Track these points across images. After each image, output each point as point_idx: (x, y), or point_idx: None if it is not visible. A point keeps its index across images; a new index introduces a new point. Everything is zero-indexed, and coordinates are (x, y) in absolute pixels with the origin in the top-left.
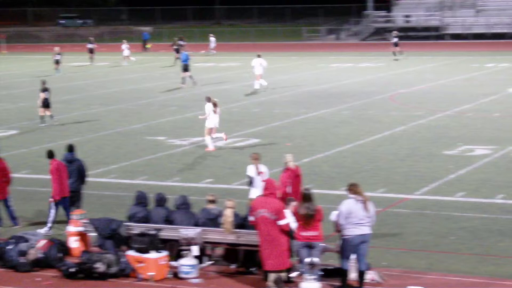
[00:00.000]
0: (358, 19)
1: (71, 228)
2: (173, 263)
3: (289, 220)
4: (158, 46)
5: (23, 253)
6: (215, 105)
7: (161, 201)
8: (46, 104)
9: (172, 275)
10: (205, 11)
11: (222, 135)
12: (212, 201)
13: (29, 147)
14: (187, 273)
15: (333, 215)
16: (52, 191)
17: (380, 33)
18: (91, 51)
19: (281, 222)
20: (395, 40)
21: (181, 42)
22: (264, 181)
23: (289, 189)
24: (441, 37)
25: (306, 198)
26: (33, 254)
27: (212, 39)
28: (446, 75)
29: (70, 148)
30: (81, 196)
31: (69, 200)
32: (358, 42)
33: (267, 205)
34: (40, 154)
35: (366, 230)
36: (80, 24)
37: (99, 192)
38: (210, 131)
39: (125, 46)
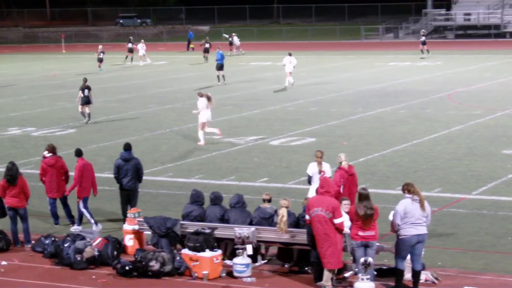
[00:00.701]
0: (417, 18)
1: (127, 226)
2: (227, 262)
3: (344, 218)
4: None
5: (79, 251)
6: (209, 99)
7: (216, 199)
8: (86, 102)
9: (226, 274)
10: (263, 10)
11: (216, 130)
12: (268, 200)
13: (86, 146)
14: (241, 272)
15: (392, 215)
16: (76, 190)
17: (439, 32)
18: (130, 50)
19: (337, 221)
20: (423, 39)
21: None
22: (320, 179)
23: (341, 189)
24: (501, 35)
25: (364, 197)
26: (89, 252)
27: (236, 38)
28: (506, 74)
29: (127, 147)
30: (137, 194)
31: (125, 199)
32: (416, 41)
33: (323, 203)
34: (97, 153)
35: (422, 230)
36: (139, 23)
37: (155, 190)
38: (203, 125)
39: (140, 45)
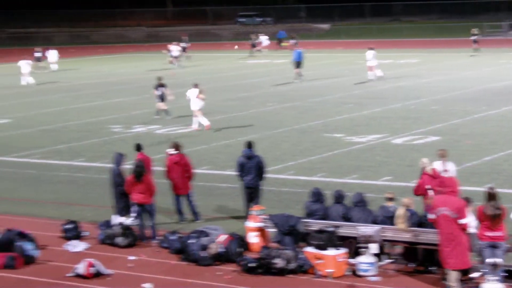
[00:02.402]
0: None
1: (251, 224)
2: (352, 261)
3: (470, 219)
4: (336, 44)
5: (204, 247)
6: (200, 91)
7: (339, 198)
8: (162, 99)
9: (350, 273)
10: (383, 7)
11: (195, 125)
12: (391, 199)
13: (209, 143)
14: (365, 270)
15: None
16: None
17: None
18: (183, 49)
19: (462, 221)
20: (474, 37)
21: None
22: (445, 179)
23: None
24: None
25: (492, 197)
26: (214, 248)
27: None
28: None
29: (249, 145)
30: (260, 192)
31: (248, 196)
32: None
33: (448, 203)
34: (219, 150)
35: None
36: (258, 22)
37: (277, 188)
38: (196, 113)
39: (174, 47)
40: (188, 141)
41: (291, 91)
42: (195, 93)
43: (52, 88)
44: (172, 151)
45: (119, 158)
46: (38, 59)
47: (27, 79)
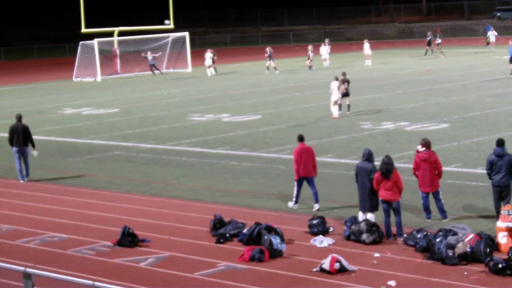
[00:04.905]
0: None
1: (500, 224)
2: None
3: None
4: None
5: (451, 246)
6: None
7: None
8: (345, 94)
9: None
10: None
11: (336, 113)
12: None
13: (460, 141)
14: None
15: None
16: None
17: None
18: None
19: None
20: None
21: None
22: None
23: None
24: None
25: None
26: (461, 247)
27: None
28: None
29: (500, 143)
30: (511, 191)
31: (498, 195)
32: None
33: None
34: (470, 148)
35: None
36: None
37: None
38: (335, 103)
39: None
40: (438, 138)
41: None
42: (336, 85)
43: (305, 85)
44: (421, 148)
45: (370, 155)
46: (270, 57)
47: (209, 71)
